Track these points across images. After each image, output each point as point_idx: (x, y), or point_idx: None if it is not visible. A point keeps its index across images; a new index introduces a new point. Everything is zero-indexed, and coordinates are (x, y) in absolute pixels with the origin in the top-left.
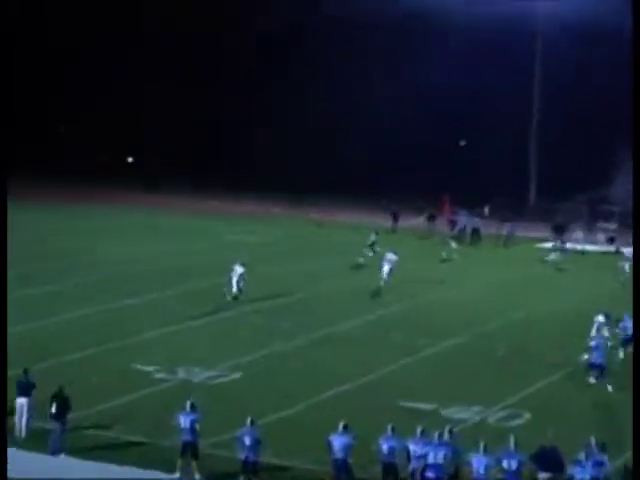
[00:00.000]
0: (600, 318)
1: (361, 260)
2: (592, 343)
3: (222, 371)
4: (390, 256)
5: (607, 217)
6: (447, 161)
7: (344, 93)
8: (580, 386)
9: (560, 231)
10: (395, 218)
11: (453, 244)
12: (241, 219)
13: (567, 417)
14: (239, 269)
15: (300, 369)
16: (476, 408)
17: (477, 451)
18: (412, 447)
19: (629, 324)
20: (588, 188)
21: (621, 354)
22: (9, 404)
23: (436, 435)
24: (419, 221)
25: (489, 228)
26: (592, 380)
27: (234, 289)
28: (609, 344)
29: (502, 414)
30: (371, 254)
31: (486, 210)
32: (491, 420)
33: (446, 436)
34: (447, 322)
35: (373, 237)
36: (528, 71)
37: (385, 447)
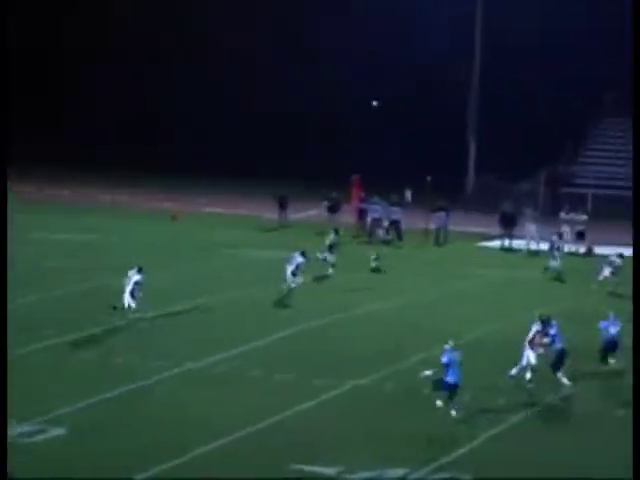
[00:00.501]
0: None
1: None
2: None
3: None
4: (298, 259)
5: (574, 204)
6: (356, 133)
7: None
8: (544, 433)
9: (509, 224)
10: (282, 206)
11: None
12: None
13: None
14: (135, 276)
15: (151, 417)
16: (397, 471)
17: None
18: None
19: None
20: (546, 164)
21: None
22: None
23: None
24: (317, 211)
25: (413, 220)
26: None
27: (125, 301)
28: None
29: (432, 479)
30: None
31: (408, 195)
32: None
33: None
34: (355, 353)
35: (332, 237)
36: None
37: None
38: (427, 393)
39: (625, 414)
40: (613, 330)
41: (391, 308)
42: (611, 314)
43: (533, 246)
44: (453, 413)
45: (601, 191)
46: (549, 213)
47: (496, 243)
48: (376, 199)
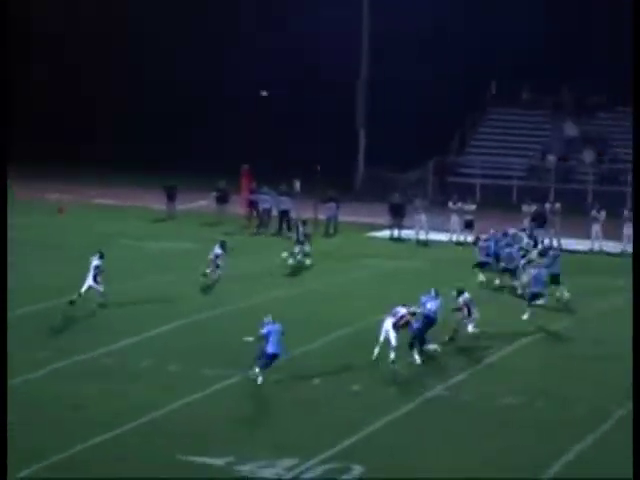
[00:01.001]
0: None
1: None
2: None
3: None
4: (216, 251)
5: (463, 193)
6: (246, 123)
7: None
8: (436, 418)
9: (398, 214)
10: (170, 197)
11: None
12: None
13: (411, 470)
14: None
15: (35, 411)
16: (287, 461)
17: None
18: None
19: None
20: (435, 154)
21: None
22: None
23: None
24: (206, 202)
25: (302, 211)
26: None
27: (84, 289)
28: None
29: (323, 469)
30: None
31: (297, 186)
32: (307, 478)
33: None
34: (245, 344)
35: (301, 229)
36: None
37: None
38: (317, 382)
39: (512, 402)
40: (431, 305)
41: (282, 298)
42: (433, 290)
43: (422, 236)
44: (260, 380)
45: (488, 181)
46: (438, 203)
47: (385, 233)
48: (265, 189)
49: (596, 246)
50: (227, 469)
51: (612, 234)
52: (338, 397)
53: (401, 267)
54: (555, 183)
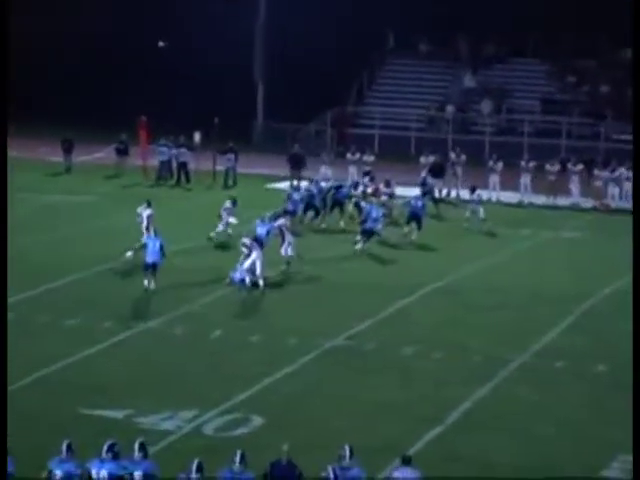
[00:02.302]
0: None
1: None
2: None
3: None
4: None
5: (361, 145)
6: (147, 75)
7: None
8: (335, 369)
9: (298, 165)
10: (68, 150)
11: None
12: None
13: (310, 420)
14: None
15: None
16: (188, 413)
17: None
18: (95, 470)
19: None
20: (333, 105)
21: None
22: None
23: (137, 452)
24: (105, 153)
25: (201, 162)
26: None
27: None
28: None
29: (223, 420)
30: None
31: (197, 137)
32: (208, 429)
33: (138, 454)
34: (145, 297)
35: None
36: None
37: (59, 474)
38: (218, 335)
39: (411, 352)
40: (261, 230)
41: (178, 251)
42: (268, 214)
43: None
44: (152, 286)
45: (387, 132)
46: (337, 154)
47: (285, 185)
48: (164, 141)
49: (494, 196)
50: (127, 422)
51: (509, 184)
52: (237, 349)
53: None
54: (453, 134)
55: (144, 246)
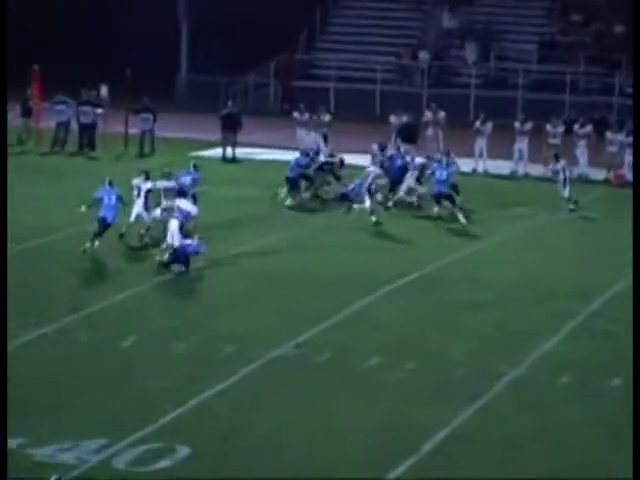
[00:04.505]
0: None
1: None
2: None
3: None
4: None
5: (313, 101)
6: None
7: None
8: (280, 384)
9: (232, 128)
10: None
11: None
12: None
13: (248, 449)
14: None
15: None
16: (92, 443)
17: None
18: None
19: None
20: (277, 52)
21: None
22: None
23: None
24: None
25: (110, 124)
26: None
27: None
28: None
29: (139, 451)
30: None
31: (103, 92)
32: (119, 462)
33: None
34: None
35: None
36: None
37: None
38: (132, 342)
39: (376, 362)
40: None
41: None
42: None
43: (267, 155)
44: (95, 244)
45: (345, 85)
46: (282, 113)
47: (217, 152)
48: (61, 97)
49: (480, 166)
50: (19, 452)
51: (500, 151)
52: (158, 360)
53: (232, 196)
54: (430, 88)
55: (99, 200)
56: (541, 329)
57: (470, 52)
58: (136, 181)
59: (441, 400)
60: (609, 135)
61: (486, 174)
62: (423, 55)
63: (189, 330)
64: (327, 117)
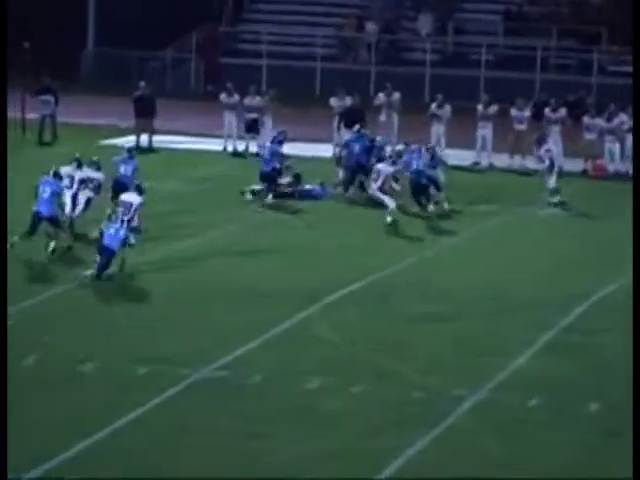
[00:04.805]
0: None
1: None
2: None
3: None
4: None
5: (242, 81)
6: None
7: None
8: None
9: (146, 112)
10: None
11: None
12: None
13: None
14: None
15: None
16: None
17: None
18: None
19: None
20: (198, 24)
21: None
22: None
23: None
24: None
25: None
26: None
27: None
28: None
29: None
30: None
31: None
32: None
33: None
34: None
35: None
36: None
37: None
38: (30, 363)
39: (321, 384)
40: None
41: None
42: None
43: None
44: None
45: (279, 62)
46: (206, 95)
47: (129, 141)
48: None
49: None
50: None
51: (461, 138)
52: (59, 383)
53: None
54: (378, 65)
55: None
56: (507, 345)
57: (424, 24)
58: (67, 169)
59: (393, 427)
60: (586, 120)
61: (444, 165)
62: (370, 27)
63: (96, 349)
64: (257, 100)
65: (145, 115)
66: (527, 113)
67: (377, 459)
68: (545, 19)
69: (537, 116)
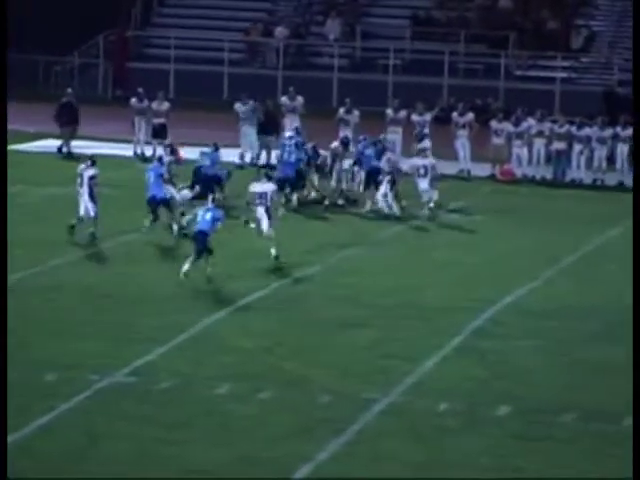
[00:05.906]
0: None
1: None
2: None
3: None
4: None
5: (150, 86)
6: None
7: None
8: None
9: (69, 119)
10: None
11: None
12: None
13: None
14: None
15: None
16: None
17: None
18: None
19: None
20: (105, 28)
21: None
22: None
23: None
24: None
25: None
26: None
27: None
28: None
29: None
30: None
31: None
32: None
33: None
34: None
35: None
36: None
37: None
38: None
39: (230, 389)
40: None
41: None
42: None
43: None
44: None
45: (186, 66)
46: (112, 100)
47: (37, 146)
48: None
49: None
50: None
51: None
52: None
53: (60, 196)
54: (285, 69)
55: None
56: (417, 349)
57: (332, 28)
58: (81, 167)
59: (303, 433)
60: (494, 124)
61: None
62: (278, 32)
63: (8, 354)
64: (165, 105)
65: (69, 122)
66: (427, 117)
67: (284, 466)
68: (453, 24)
69: (445, 120)
